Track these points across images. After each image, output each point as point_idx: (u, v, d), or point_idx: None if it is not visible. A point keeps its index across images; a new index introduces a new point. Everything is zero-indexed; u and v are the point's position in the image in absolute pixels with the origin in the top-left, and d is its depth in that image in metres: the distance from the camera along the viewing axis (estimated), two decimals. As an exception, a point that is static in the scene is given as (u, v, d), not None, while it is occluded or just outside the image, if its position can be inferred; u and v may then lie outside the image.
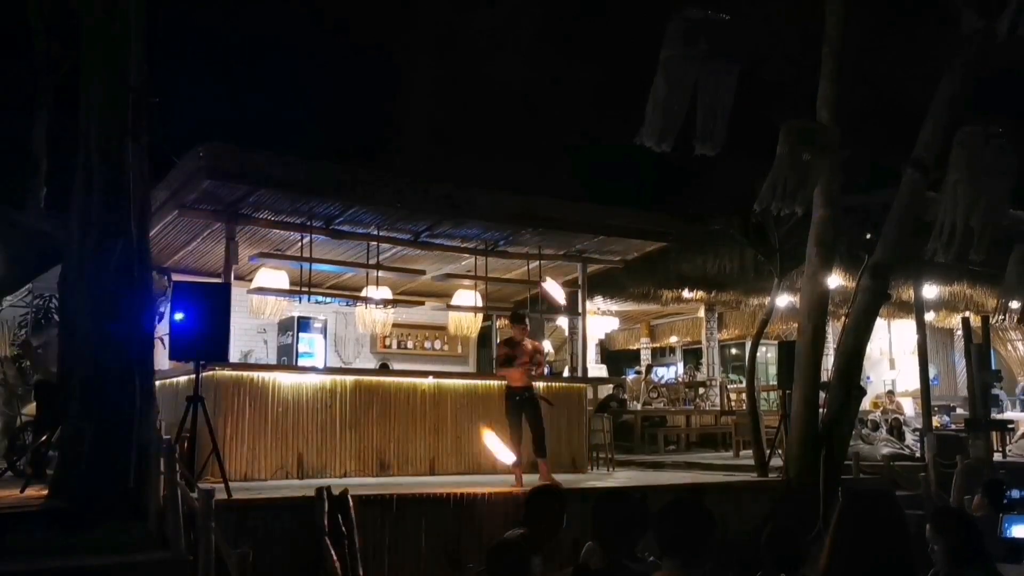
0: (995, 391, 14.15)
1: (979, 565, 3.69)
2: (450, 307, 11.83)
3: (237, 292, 9.06)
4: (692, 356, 20.26)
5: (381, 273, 10.91)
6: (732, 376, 18.98)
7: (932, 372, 14.51)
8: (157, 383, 7.27)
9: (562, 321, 16.28)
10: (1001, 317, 15.90)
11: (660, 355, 21.19)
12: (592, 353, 16.36)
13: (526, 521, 4.44)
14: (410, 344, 14.46)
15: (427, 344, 14.55)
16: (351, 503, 6.71)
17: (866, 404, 13.82)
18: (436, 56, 18.32)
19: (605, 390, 15.35)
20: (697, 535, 3.10)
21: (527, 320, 9.44)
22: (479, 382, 10.63)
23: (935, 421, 13.94)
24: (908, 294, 14.35)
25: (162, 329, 8.53)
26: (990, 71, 9.73)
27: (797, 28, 10.84)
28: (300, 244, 10.18)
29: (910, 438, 13.71)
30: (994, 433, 12.86)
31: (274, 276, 10.67)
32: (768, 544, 4.37)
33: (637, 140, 6.35)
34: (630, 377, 18.21)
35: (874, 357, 17.81)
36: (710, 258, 14.96)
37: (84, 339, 6.61)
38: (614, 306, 16.93)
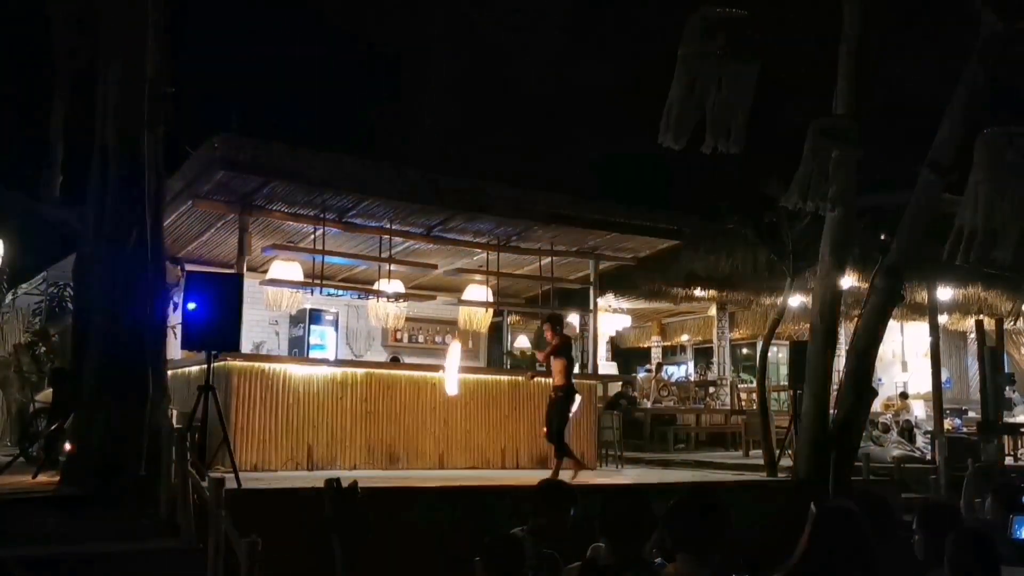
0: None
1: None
2: (461, 302, 11.84)
3: (250, 283, 9.09)
4: (703, 355, 20.21)
5: (393, 267, 10.92)
6: (743, 376, 18.93)
7: (944, 375, 14.43)
8: (169, 372, 7.31)
9: (573, 318, 16.28)
10: (1014, 320, 15.85)
11: (671, 353, 21.14)
12: (603, 350, 16.34)
13: (534, 513, 4.47)
14: (421, 338, 14.48)
15: (438, 338, 14.57)
16: (360, 495, 6.72)
17: (877, 406, 13.76)
18: (454, 50, 18.31)
19: (615, 387, 15.34)
20: (710, 531, 3.11)
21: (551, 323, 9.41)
22: (489, 377, 10.65)
23: (947, 424, 13.87)
24: (922, 296, 14.27)
25: (175, 319, 8.57)
26: (1008, 72, 9.66)
27: (814, 28, 10.80)
28: (313, 236, 10.20)
29: (921, 440, 13.65)
30: (1006, 437, 12.80)
31: (288, 268, 10.70)
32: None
33: (660, 140, 6.30)
34: (641, 375, 18.19)
35: (886, 359, 17.72)
36: (723, 257, 14.91)
37: (98, 328, 6.65)
38: (626, 304, 16.90)
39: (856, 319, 9.86)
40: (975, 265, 7.99)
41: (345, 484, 6.70)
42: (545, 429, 9.08)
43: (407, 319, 12.48)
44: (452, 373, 9.27)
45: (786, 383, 13.54)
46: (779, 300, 11.55)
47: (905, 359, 18.98)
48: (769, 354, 11.16)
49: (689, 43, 6.19)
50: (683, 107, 6.14)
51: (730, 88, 6.08)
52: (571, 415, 9.20)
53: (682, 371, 20.44)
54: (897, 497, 9.32)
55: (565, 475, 8.60)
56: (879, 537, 4.20)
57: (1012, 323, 16.88)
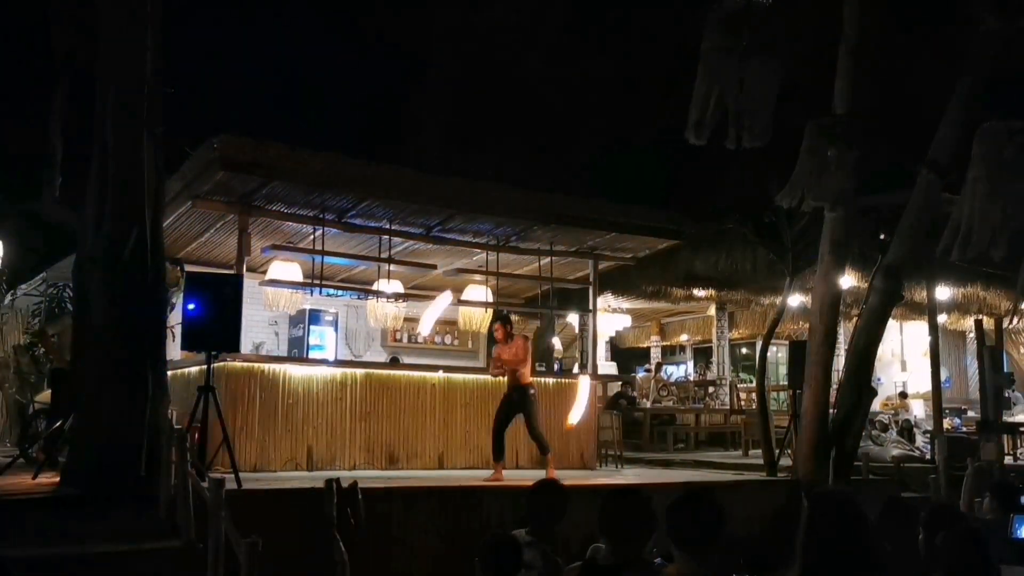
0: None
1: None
2: (461, 302, 11.83)
3: (249, 284, 9.08)
4: (702, 355, 20.22)
5: (393, 267, 10.92)
6: (742, 375, 18.94)
7: (944, 374, 14.44)
8: (169, 373, 7.31)
9: (573, 318, 16.28)
10: (1014, 320, 15.85)
11: (670, 353, 21.16)
12: (602, 350, 16.35)
13: (528, 514, 4.48)
14: (420, 338, 14.48)
15: (437, 339, 14.57)
16: (360, 495, 6.72)
17: (876, 405, 13.78)
18: (452, 50, 18.31)
19: (615, 387, 15.35)
20: (707, 529, 3.12)
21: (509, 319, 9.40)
22: (489, 377, 10.63)
23: (946, 423, 13.88)
24: (921, 295, 14.28)
25: (174, 319, 8.56)
26: (1007, 72, 9.67)
27: (814, 28, 10.79)
28: (312, 237, 10.20)
29: (920, 440, 13.66)
30: (1006, 437, 12.81)
31: (287, 268, 10.70)
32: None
33: (686, 135, 6.27)
34: (640, 375, 18.20)
35: (885, 359, 17.73)
36: (722, 256, 14.91)
37: (97, 328, 6.65)
38: (625, 303, 16.90)
39: (856, 319, 9.87)
40: (971, 263, 7.99)
41: (345, 484, 6.72)
42: (530, 429, 9.04)
43: (406, 319, 12.50)
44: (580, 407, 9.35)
45: (786, 383, 13.54)
46: (779, 300, 11.56)
47: (904, 358, 19.00)
48: (769, 354, 11.16)
49: (710, 37, 6.13)
50: (707, 102, 6.10)
51: (755, 82, 6.04)
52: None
53: (681, 371, 20.46)
54: (896, 497, 9.34)
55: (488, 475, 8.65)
56: (897, 533, 4.20)
57: (1010, 323, 16.90)
